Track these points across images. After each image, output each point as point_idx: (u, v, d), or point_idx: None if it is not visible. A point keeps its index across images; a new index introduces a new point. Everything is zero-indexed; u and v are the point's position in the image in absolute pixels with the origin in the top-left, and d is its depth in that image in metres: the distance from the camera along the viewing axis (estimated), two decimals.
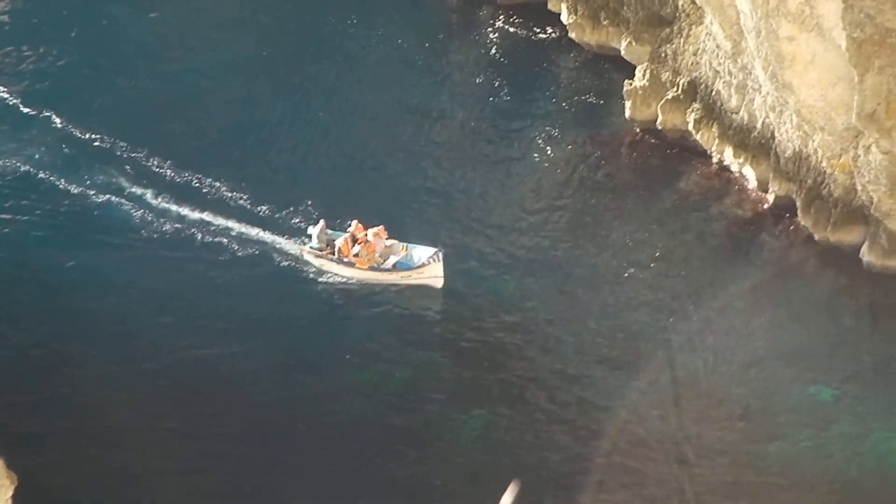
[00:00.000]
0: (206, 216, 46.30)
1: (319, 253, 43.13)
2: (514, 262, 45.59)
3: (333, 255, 42.90)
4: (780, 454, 37.75)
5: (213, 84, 56.16)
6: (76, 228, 46.42)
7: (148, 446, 37.76)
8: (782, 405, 39.51)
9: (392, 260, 42.81)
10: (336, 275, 43.13)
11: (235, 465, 37.27)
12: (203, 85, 56.17)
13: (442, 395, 40.18)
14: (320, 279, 44.00)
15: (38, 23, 60.65)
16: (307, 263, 44.22)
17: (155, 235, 45.85)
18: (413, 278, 42.24)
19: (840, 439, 38.19)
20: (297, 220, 46.37)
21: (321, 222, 43.64)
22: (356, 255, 42.65)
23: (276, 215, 46.95)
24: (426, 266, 41.88)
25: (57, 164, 49.53)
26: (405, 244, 43.19)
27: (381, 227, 43.29)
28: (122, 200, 47.58)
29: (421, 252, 42.82)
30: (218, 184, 48.27)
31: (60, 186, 48.72)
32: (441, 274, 41.98)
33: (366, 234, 43.16)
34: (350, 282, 43.15)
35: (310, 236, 43.87)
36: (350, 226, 43.65)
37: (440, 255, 41.88)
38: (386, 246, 43.11)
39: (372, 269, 42.61)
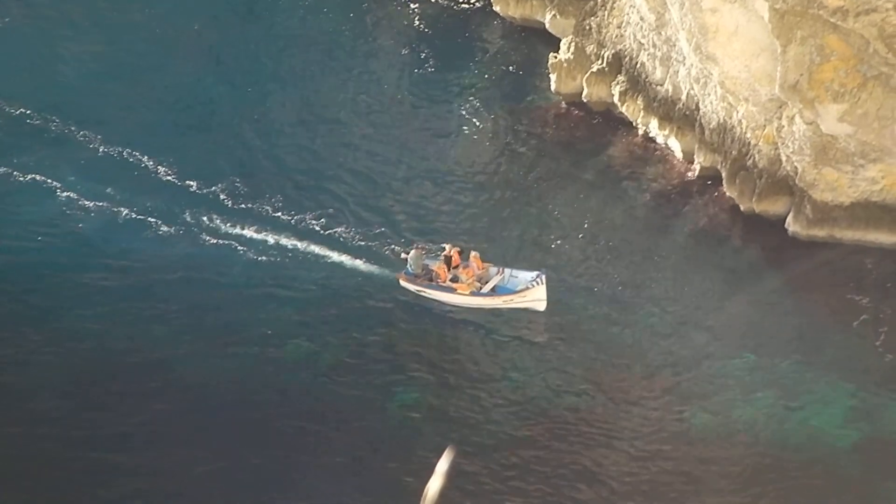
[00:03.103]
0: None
1: (415, 279, 42.14)
2: (440, 235, 45.34)
3: (430, 280, 41.99)
4: (705, 424, 37.78)
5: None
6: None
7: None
8: (709, 374, 39.55)
9: (491, 284, 41.86)
10: (435, 300, 42.17)
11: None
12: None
13: (371, 371, 39.92)
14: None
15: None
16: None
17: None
18: (515, 302, 41.35)
19: (766, 408, 38.27)
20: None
21: (417, 248, 42.71)
22: (454, 280, 41.75)
23: None
24: (529, 289, 40.90)
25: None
26: (501, 268, 42.33)
27: (476, 252, 42.47)
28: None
29: (520, 275, 41.90)
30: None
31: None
32: (544, 297, 41.00)
33: (463, 258, 42.42)
34: (448, 306, 42.22)
35: (404, 262, 42.88)
36: (443, 249, 42.78)
37: (543, 277, 40.88)
38: (484, 270, 42.31)
39: (473, 294, 41.60)
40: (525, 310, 41.16)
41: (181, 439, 36.97)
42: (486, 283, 41.81)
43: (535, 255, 44.59)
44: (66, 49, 56.55)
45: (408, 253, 42.48)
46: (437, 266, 42.02)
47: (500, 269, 42.18)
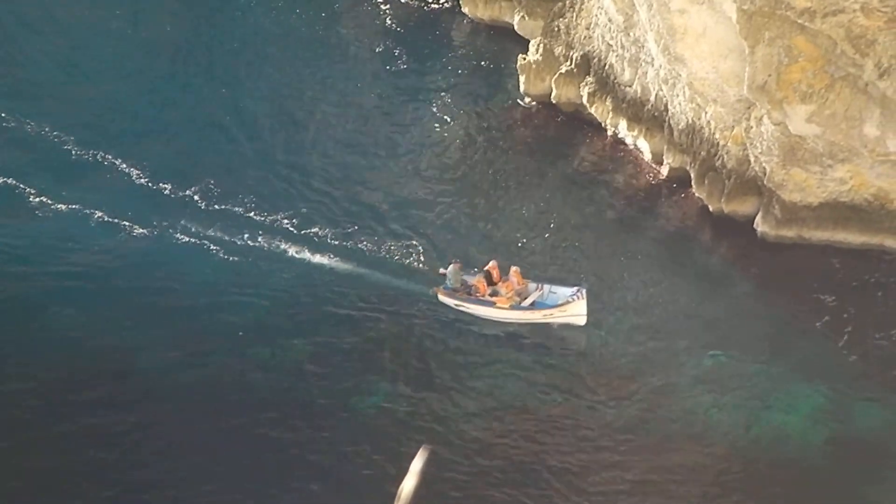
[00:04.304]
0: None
1: (453, 294, 41.88)
2: (414, 235, 45.56)
3: (469, 294, 41.71)
4: (676, 424, 37.91)
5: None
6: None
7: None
8: (680, 373, 39.70)
9: (531, 299, 41.56)
10: (473, 315, 41.88)
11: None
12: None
13: (342, 369, 39.95)
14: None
15: None
16: None
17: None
18: (555, 316, 41.09)
19: (736, 407, 38.44)
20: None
21: (455, 263, 42.32)
22: (494, 295, 41.52)
23: None
24: (569, 304, 40.65)
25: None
26: (540, 283, 42.05)
27: (517, 268, 42.15)
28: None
29: (559, 290, 41.58)
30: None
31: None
32: (584, 312, 40.70)
33: (503, 274, 42.12)
34: (489, 321, 41.89)
35: (443, 277, 42.54)
36: (476, 268, 42.60)
37: (583, 292, 40.67)
38: (524, 285, 41.96)
39: (512, 308, 41.29)
40: (565, 325, 41.10)
41: (160, 443, 36.84)
42: (526, 297, 41.56)
43: (501, 255, 44.38)
44: (34, 51, 56.48)
45: (446, 268, 42.30)
46: (477, 280, 41.81)
47: (540, 286, 41.95)
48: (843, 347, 40.39)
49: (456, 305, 41.88)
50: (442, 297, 42.00)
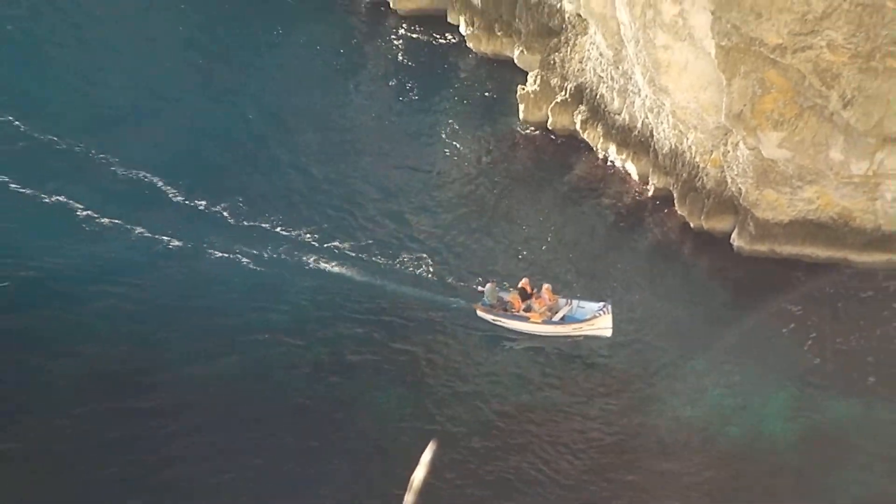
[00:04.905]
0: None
1: (491, 310, 41.67)
2: (423, 244, 45.54)
3: (505, 310, 41.47)
4: (661, 422, 38.03)
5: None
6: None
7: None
8: (663, 376, 39.85)
9: (560, 313, 41.37)
10: (509, 329, 41.66)
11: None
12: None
13: (358, 369, 39.98)
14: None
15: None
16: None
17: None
18: (583, 330, 40.83)
19: (715, 406, 38.57)
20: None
21: (491, 282, 42.22)
22: (528, 310, 41.25)
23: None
24: (596, 318, 40.37)
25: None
26: (569, 299, 41.84)
27: (549, 285, 41.91)
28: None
29: (587, 305, 41.35)
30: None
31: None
32: (610, 325, 40.34)
33: (535, 290, 41.88)
34: (524, 334, 41.70)
35: (480, 294, 42.39)
36: (511, 285, 42.37)
37: (609, 307, 40.38)
38: (554, 301, 41.77)
39: (545, 322, 41.14)
40: (592, 337, 40.98)
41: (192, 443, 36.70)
42: (557, 312, 41.38)
43: (501, 267, 44.62)
44: (71, 73, 56.03)
45: (484, 287, 42.12)
46: (512, 296, 41.56)
47: (569, 301, 41.68)
48: (808, 351, 40.50)
49: (493, 320, 41.73)
50: (480, 313, 41.86)
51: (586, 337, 40.93)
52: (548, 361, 40.88)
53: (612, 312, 40.31)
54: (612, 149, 49.61)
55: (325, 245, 45.00)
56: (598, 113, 50.20)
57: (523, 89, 52.74)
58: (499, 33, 55.59)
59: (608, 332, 40.58)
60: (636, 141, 48.59)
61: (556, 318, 41.31)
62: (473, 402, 38.73)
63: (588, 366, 40.74)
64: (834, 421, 37.83)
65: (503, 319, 41.58)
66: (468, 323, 41.90)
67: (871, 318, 41.85)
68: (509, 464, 36.37)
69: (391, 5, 59.60)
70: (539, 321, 41.16)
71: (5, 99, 51.57)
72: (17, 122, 50.43)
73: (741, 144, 43.57)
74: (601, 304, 40.83)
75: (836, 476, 35.73)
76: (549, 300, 41.46)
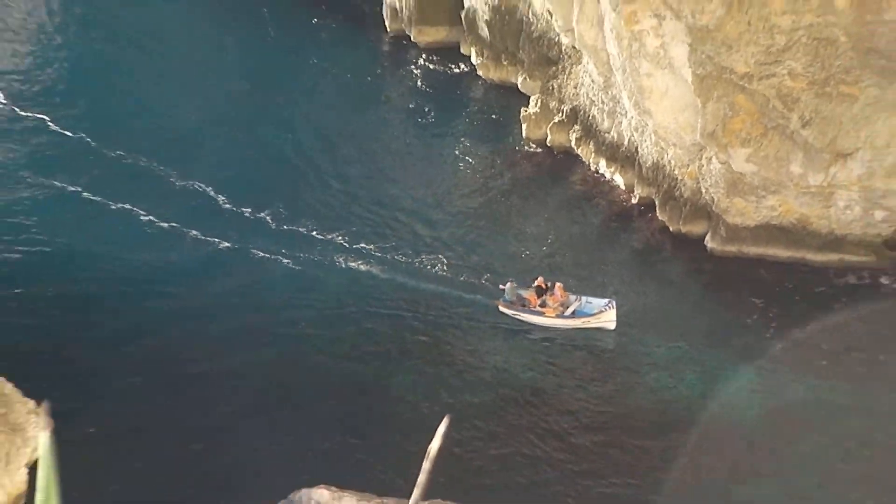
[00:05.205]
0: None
1: (511, 305, 41.62)
2: (440, 245, 45.55)
3: (523, 306, 41.42)
4: (645, 399, 38.06)
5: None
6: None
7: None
8: (646, 360, 39.87)
9: (571, 308, 41.31)
10: (526, 322, 41.48)
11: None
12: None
13: (382, 353, 40.02)
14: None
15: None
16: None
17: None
18: (591, 323, 40.87)
19: (691, 386, 38.57)
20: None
21: (511, 282, 42.00)
22: (543, 305, 41.25)
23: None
24: (603, 313, 40.53)
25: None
26: (578, 296, 41.73)
27: (561, 283, 41.83)
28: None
29: (594, 301, 41.34)
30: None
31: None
32: (614, 319, 40.51)
33: (548, 288, 41.83)
34: (539, 327, 41.58)
35: (502, 291, 42.23)
36: (534, 282, 42.15)
37: (613, 303, 40.55)
38: (566, 297, 41.73)
39: (558, 316, 41.15)
40: (591, 329, 41.08)
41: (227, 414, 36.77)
42: (568, 307, 41.34)
43: (507, 265, 44.59)
44: (138, 100, 56.06)
45: (505, 286, 41.98)
46: (529, 294, 41.59)
47: (578, 297, 41.61)
48: (770, 338, 40.50)
49: (513, 315, 41.60)
50: (502, 309, 41.70)
51: (594, 329, 40.99)
52: (554, 351, 40.75)
53: (616, 308, 40.47)
54: (603, 163, 49.69)
55: (354, 246, 45.05)
56: (590, 132, 50.29)
57: (526, 111, 52.90)
58: (505, 63, 55.94)
59: (613, 325, 40.69)
60: (623, 156, 48.68)
61: (568, 312, 41.27)
62: (486, 384, 38.74)
63: (583, 347, 40.69)
64: (791, 399, 37.86)
65: (521, 314, 41.52)
66: (489, 317, 41.82)
67: (824, 310, 41.81)
68: (513, 439, 36.31)
69: (412, 38, 59.85)
70: (553, 315, 41.19)
71: (81, 119, 51.94)
72: (88, 139, 50.70)
73: (714, 159, 43.68)
74: (607, 300, 40.97)
75: (792, 447, 35.69)
76: (561, 297, 41.45)
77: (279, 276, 43.40)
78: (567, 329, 41.22)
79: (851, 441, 35.55)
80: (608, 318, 40.61)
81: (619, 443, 36.38)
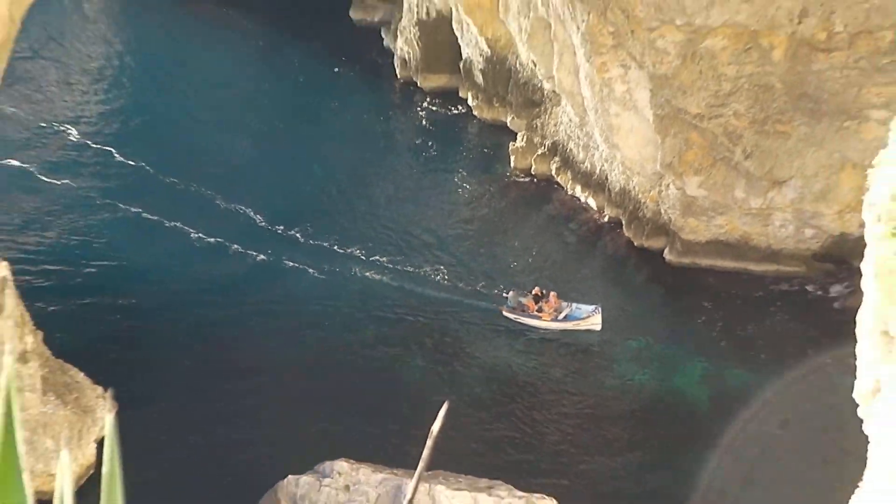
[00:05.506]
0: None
1: (513, 311, 41.40)
2: (442, 257, 45.52)
3: (523, 311, 41.23)
4: (612, 386, 38.41)
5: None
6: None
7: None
8: (614, 353, 40.14)
9: (563, 313, 41.04)
10: (526, 325, 41.27)
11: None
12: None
13: (391, 347, 40.15)
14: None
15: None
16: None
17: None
18: (581, 325, 40.54)
19: (651, 376, 38.96)
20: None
21: (514, 291, 41.97)
22: (540, 311, 41.01)
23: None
24: (590, 317, 40.31)
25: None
26: (569, 302, 41.47)
27: (555, 292, 41.62)
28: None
29: (583, 307, 41.03)
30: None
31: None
32: (600, 322, 40.22)
33: (544, 296, 41.49)
34: (535, 329, 41.33)
35: (505, 299, 42.03)
36: (531, 291, 41.79)
37: (599, 309, 40.40)
38: (559, 304, 41.47)
39: (552, 320, 40.90)
40: (580, 331, 40.88)
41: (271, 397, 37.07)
42: (561, 312, 41.12)
43: (498, 274, 44.53)
44: (189, 134, 55.72)
45: (508, 294, 41.88)
46: (527, 301, 41.42)
47: (569, 304, 41.37)
48: (716, 336, 40.80)
49: (515, 319, 41.33)
50: (505, 313, 41.41)
51: (583, 331, 40.86)
52: (547, 348, 40.84)
53: (602, 313, 40.39)
54: (578, 188, 49.68)
55: (370, 259, 45.09)
56: (568, 162, 50.27)
57: (514, 145, 52.78)
58: (496, 104, 55.74)
59: (599, 327, 40.47)
60: (595, 183, 48.68)
61: (561, 316, 41.08)
62: (486, 376, 38.82)
63: (561, 343, 40.74)
64: (734, 384, 38.17)
65: (522, 318, 41.35)
66: (490, 320, 41.75)
67: (761, 311, 42.09)
68: (506, 422, 36.59)
69: (418, 84, 59.78)
70: (548, 319, 40.98)
71: (141, 151, 51.96)
72: (147, 168, 50.85)
73: (671, 186, 43.87)
74: (594, 306, 40.79)
75: (737, 429, 35.94)
76: (555, 303, 41.29)
77: (307, 283, 43.43)
78: (560, 330, 41.16)
79: (785, 415, 36.07)
80: (595, 322, 40.41)
81: (596, 423, 36.71)
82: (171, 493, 32.37)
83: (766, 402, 36.79)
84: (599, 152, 47.68)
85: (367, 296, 42.99)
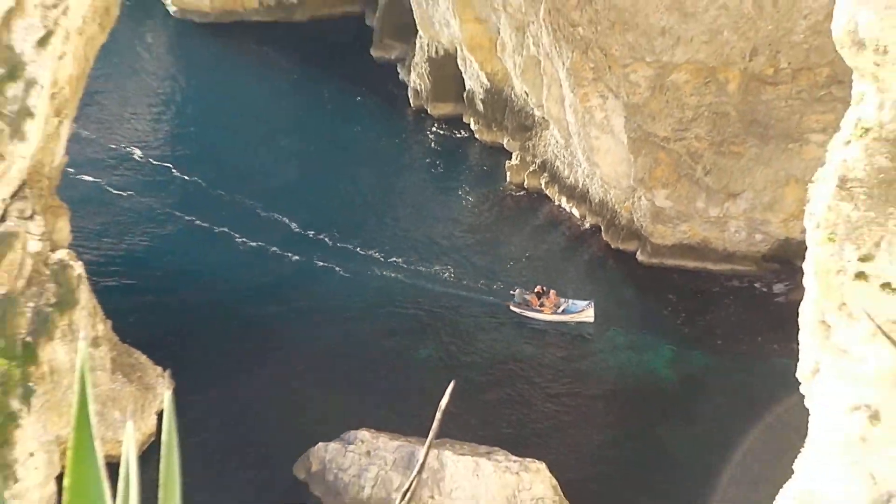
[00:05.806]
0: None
1: (518, 305, 41.19)
2: (449, 261, 45.36)
3: (527, 306, 41.04)
4: (592, 369, 38.34)
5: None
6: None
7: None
8: (594, 341, 40.18)
9: (562, 308, 40.84)
10: (528, 318, 40.96)
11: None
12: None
13: (405, 337, 40.14)
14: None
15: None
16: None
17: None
18: (577, 318, 40.33)
19: (624, 359, 38.99)
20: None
21: (520, 289, 41.76)
22: (542, 306, 40.80)
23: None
24: (585, 311, 40.07)
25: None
26: (567, 298, 41.30)
27: (554, 290, 41.37)
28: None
29: (578, 302, 40.86)
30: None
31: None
32: (592, 315, 39.94)
33: (545, 292, 41.27)
34: (536, 322, 41.01)
35: (512, 296, 41.78)
36: (534, 288, 41.65)
37: (592, 303, 40.15)
38: (557, 299, 41.25)
39: (552, 313, 40.65)
40: (575, 322, 40.71)
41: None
42: (559, 307, 40.92)
43: (496, 273, 44.39)
44: (235, 152, 55.10)
45: (514, 291, 41.67)
46: (531, 297, 41.21)
47: (567, 300, 41.17)
48: (681, 324, 40.85)
49: (520, 313, 41.08)
50: (512, 308, 41.19)
51: (578, 323, 40.66)
52: (542, 337, 40.68)
53: (595, 307, 40.18)
54: (564, 200, 49.58)
55: (388, 260, 45.01)
56: (555, 178, 50.16)
57: (509, 163, 52.67)
58: (494, 129, 55.52)
59: (592, 319, 40.27)
60: (578, 195, 48.60)
61: (559, 310, 40.92)
62: (486, 361, 38.86)
63: (548, 333, 40.71)
64: (696, 366, 38.31)
65: (526, 312, 41.15)
66: (497, 313, 41.60)
67: (717, 304, 42.15)
68: (507, 399, 36.67)
69: (428, 111, 59.57)
70: (549, 313, 40.77)
71: (195, 167, 51.76)
72: (201, 182, 50.73)
73: (643, 198, 43.94)
74: (587, 301, 40.67)
75: (699, 402, 36.26)
76: (555, 299, 41.11)
77: (334, 280, 43.47)
78: (558, 322, 41.02)
79: (738, 396, 36.14)
80: (588, 315, 40.28)
81: (580, 399, 36.89)
82: (220, 457, 32.66)
83: (721, 382, 37.00)
84: (582, 169, 47.71)
85: (385, 291, 42.97)
